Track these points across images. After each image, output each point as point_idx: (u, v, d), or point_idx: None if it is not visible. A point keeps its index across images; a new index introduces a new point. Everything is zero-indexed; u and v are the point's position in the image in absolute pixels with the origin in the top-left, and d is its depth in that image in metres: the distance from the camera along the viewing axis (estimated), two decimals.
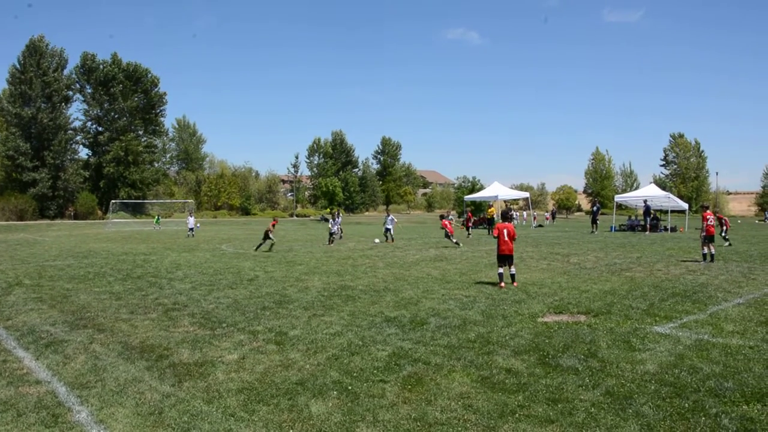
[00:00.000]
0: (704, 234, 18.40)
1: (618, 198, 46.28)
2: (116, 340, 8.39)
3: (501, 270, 13.35)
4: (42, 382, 6.44)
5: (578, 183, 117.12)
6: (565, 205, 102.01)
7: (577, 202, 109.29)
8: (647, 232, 36.70)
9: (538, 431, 5.01)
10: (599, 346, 7.80)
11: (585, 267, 17.06)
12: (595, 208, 41.05)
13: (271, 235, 23.97)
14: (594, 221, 38.94)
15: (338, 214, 32.19)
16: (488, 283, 13.67)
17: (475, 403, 5.67)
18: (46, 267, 18.17)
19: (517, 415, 5.37)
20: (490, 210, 40.94)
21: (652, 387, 6.09)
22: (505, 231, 13.41)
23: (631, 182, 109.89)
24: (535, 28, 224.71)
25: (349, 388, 6.14)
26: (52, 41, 74.19)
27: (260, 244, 24.07)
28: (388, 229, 29.38)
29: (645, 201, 39.17)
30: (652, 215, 39.08)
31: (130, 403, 5.76)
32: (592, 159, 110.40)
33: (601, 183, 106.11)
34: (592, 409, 5.48)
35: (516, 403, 5.68)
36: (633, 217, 45.90)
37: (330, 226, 28.40)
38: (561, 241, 29.82)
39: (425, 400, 5.79)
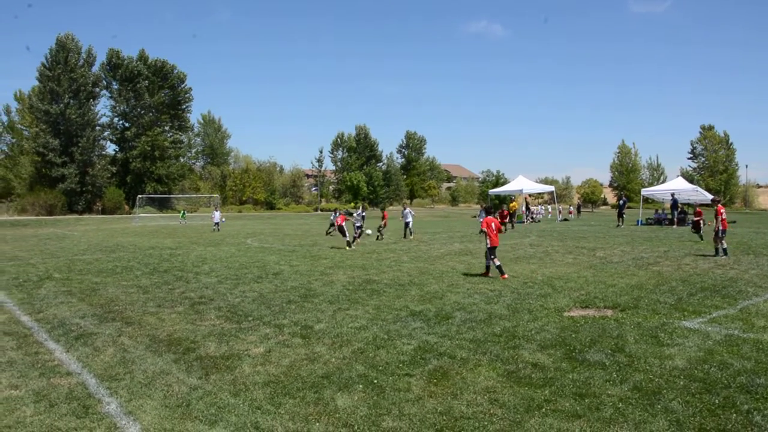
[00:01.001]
0: (720, 228, 18.12)
1: (645, 191, 45.68)
2: (144, 333, 8.49)
3: (498, 262, 13.84)
4: (72, 373, 6.55)
5: (604, 176, 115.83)
6: (590, 198, 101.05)
7: (602, 196, 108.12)
8: (674, 226, 36.21)
9: (565, 426, 4.97)
10: (626, 340, 7.72)
11: (611, 261, 16.88)
12: (621, 202, 40.50)
13: (345, 229, 22.52)
14: (620, 215, 38.41)
15: (363, 208, 30.70)
16: (513, 277, 13.59)
17: (501, 398, 5.65)
18: (75, 261, 18.45)
19: (543, 409, 5.34)
20: (512, 204, 40.03)
21: (681, 382, 6.01)
22: (493, 224, 14.04)
23: (657, 175, 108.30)
24: (559, 20, 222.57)
25: (375, 381, 6.15)
26: (78, 38, 74.47)
27: (350, 240, 22.38)
28: (407, 223, 27.88)
29: (672, 194, 38.64)
30: (679, 209, 38.51)
31: (158, 395, 5.84)
32: (618, 152, 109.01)
33: (627, 176, 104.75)
34: (620, 404, 5.42)
35: (542, 397, 5.65)
36: (660, 211, 45.24)
37: (354, 221, 25.59)
38: (587, 235, 29.54)
39: (451, 394, 5.78)
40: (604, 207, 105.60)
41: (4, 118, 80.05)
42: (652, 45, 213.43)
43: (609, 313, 9.57)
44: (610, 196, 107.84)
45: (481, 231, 14.07)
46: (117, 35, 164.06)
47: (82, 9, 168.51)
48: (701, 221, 25.38)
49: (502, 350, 7.31)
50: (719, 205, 18.87)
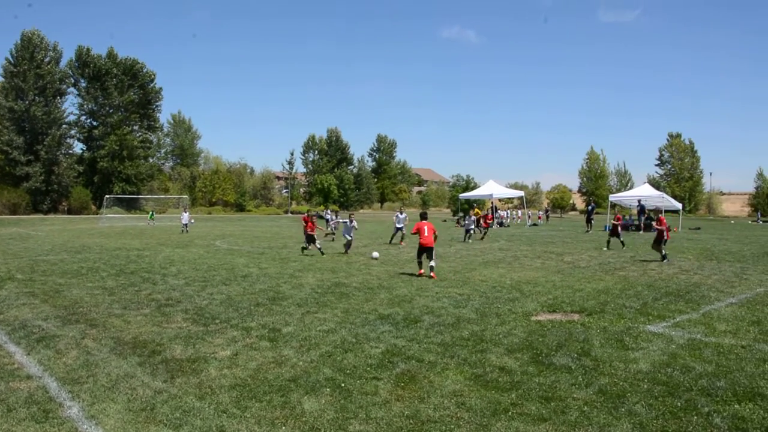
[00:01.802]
0: (666, 238, 18.71)
1: (612, 197, 46.30)
2: (109, 335, 8.35)
3: (420, 259, 15.20)
4: (33, 377, 6.41)
5: (573, 182, 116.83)
6: (559, 204, 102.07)
7: (571, 201, 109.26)
8: (641, 232, 36.77)
9: (531, 429, 5.01)
10: (592, 344, 7.82)
11: (579, 266, 17.09)
12: (590, 207, 41.04)
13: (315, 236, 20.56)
14: (588, 220, 38.93)
15: (334, 212, 28.03)
16: (482, 281, 13.67)
17: (468, 401, 5.67)
18: (38, 262, 18.08)
19: (510, 413, 5.38)
20: (476, 210, 39.37)
21: (645, 386, 6.10)
22: (425, 228, 15.08)
23: (625, 182, 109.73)
24: (530, 27, 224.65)
25: (342, 385, 6.13)
26: (50, 37, 73.25)
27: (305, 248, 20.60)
28: (399, 228, 26.18)
29: (639, 201, 39.27)
30: (646, 215, 39.17)
31: (122, 398, 5.74)
32: (587, 158, 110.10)
33: (596, 182, 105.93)
34: (585, 408, 5.48)
35: (509, 401, 5.68)
36: (627, 217, 45.96)
37: (345, 230, 22.45)
38: (555, 240, 29.87)
39: (418, 397, 5.79)
40: (573, 212, 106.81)
41: None
42: (621, 51, 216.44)
43: (576, 317, 9.68)
44: (579, 202, 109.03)
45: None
46: (86, 34, 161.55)
47: (58, 9, 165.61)
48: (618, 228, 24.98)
49: (470, 354, 7.34)
50: (661, 215, 20.36)
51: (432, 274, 14.52)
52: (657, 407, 5.50)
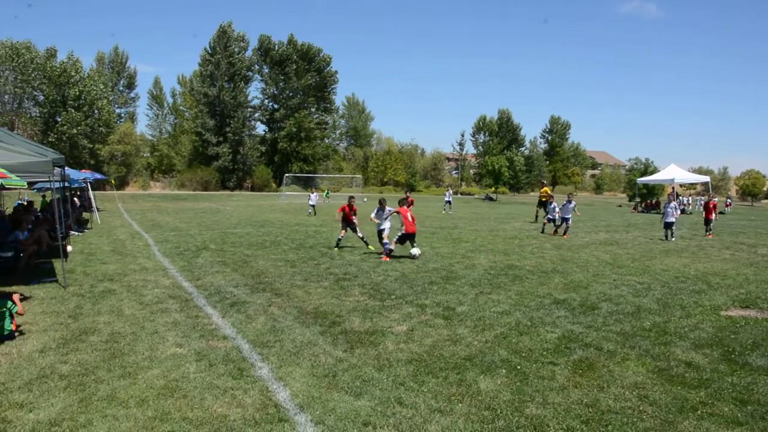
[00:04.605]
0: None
1: None
2: (292, 304, 8.88)
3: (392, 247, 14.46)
4: (228, 338, 6.98)
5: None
6: (750, 191, 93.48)
7: (765, 189, 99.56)
8: None
9: None
10: None
11: None
12: None
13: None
14: None
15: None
16: (664, 271, 12.88)
17: (652, 395, 5.40)
18: (227, 234, 19.58)
19: (699, 412, 5.05)
20: (544, 189, 31.16)
21: None
22: (408, 214, 14.53)
23: None
24: (714, 9, 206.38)
25: (518, 367, 6.07)
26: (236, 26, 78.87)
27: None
28: (565, 219, 21.41)
29: None
30: None
31: (306, 364, 6.08)
32: None
33: None
34: None
35: (697, 399, 5.33)
36: None
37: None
38: (746, 230, 27.46)
39: (597, 386, 5.60)
40: (766, 201, 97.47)
41: (170, 100, 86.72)
42: None
43: None
44: None
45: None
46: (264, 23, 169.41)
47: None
48: None
49: (652, 346, 6.97)
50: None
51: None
52: None
